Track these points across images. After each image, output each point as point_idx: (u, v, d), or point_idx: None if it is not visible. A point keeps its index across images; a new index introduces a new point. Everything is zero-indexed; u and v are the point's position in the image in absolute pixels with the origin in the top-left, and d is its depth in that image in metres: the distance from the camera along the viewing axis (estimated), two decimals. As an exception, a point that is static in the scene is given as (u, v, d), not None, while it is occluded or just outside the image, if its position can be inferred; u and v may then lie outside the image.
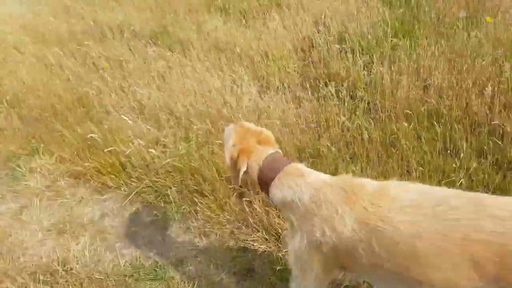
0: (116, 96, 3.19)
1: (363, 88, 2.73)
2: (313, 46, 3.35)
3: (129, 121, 2.80)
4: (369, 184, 1.28)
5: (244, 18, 4.12)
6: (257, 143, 1.49)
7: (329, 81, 2.91)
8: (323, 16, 3.57)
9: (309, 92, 2.81)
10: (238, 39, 3.67)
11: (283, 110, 2.71)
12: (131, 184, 2.52)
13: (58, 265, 2.12)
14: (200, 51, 3.65)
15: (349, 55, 2.96)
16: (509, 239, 1.01)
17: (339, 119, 2.47)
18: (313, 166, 1.79)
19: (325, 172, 1.45)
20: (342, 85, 2.73)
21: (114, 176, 2.57)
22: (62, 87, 3.39)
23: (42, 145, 2.90)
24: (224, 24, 4.05)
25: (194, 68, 3.36)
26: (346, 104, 2.62)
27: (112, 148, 2.53)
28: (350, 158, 2.28)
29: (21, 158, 2.92)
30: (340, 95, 2.66)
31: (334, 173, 1.97)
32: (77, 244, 2.27)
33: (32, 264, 2.18)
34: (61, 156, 2.81)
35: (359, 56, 2.99)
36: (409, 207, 1.16)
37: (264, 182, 1.43)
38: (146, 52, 3.79)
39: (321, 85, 2.89)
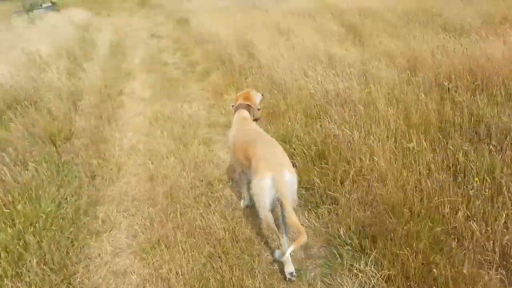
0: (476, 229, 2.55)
1: None
2: None
3: None
4: (249, 119, 3.32)
5: None
6: (243, 97, 3.49)
7: None
8: None
9: None
10: None
11: None
12: None
13: None
14: None
15: None
16: (246, 143, 2.90)
17: None
18: None
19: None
20: None
21: None
22: (412, 186, 3.09)
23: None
24: None
25: None
26: None
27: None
28: None
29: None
30: None
31: None
32: None
33: None
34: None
35: None
36: (247, 130, 3.15)
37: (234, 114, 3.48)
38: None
39: None
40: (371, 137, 3.80)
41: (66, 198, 3.54)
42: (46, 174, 3.73)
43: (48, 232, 2.96)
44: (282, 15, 10.01)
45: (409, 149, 3.62)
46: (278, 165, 2.56)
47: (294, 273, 2.59)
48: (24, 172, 3.64)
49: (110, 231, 3.18)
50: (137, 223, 3.23)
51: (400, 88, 4.75)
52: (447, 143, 3.58)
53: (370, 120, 4.09)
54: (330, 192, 3.24)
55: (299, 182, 3.62)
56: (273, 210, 2.64)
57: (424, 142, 3.54)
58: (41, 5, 19.31)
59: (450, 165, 3.32)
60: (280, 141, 4.21)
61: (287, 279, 2.60)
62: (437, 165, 3.31)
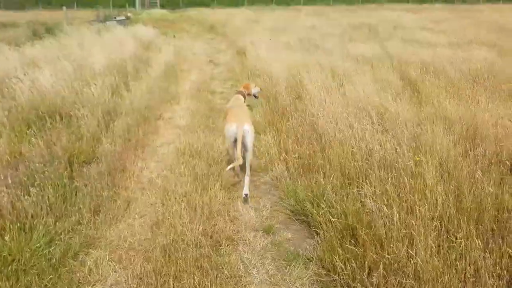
0: None
1: None
2: None
3: None
4: (241, 99, 4.76)
5: None
6: (243, 86, 5.10)
7: None
8: None
9: None
10: None
11: None
12: None
13: None
14: None
15: None
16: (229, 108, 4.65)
17: None
18: None
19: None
20: None
21: None
22: None
23: None
24: None
25: None
26: None
27: None
28: None
29: None
30: None
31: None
32: None
33: None
34: None
35: None
36: (234, 103, 4.70)
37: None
38: None
39: None
40: (414, 216, 3.19)
41: (61, 234, 3.19)
42: (49, 201, 3.43)
43: (26, 276, 2.62)
44: (342, 59, 9.57)
45: (456, 240, 2.97)
46: (241, 119, 4.08)
47: (248, 195, 4.03)
48: (25, 197, 3.36)
49: (93, 285, 2.77)
50: (124, 281, 2.80)
51: (454, 160, 4.08)
52: (502, 240, 2.90)
53: (414, 196, 3.47)
54: (354, 284, 2.65)
55: (320, 261, 3.13)
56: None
57: (474, 238, 2.87)
58: (114, 17, 20.45)
59: (504, 272, 2.63)
60: (308, 202, 3.73)
61: (243, 198, 4.02)
62: (488, 268, 2.64)
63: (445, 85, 7.16)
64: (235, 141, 3.93)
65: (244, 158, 4.01)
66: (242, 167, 4.17)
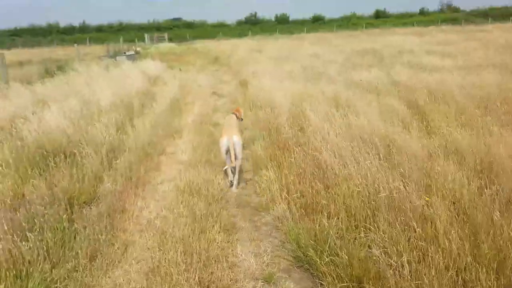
0: None
1: None
2: None
3: None
4: (234, 118, 6.06)
5: None
6: (235, 110, 6.56)
7: None
8: None
9: None
10: None
11: None
12: None
13: None
14: None
15: None
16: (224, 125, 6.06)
17: None
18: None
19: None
20: None
21: None
22: None
23: None
24: None
25: None
26: None
27: None
28: None
29: None
30: None
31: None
32: None
33: None
34: None
35: None
36: (227, 121, 5.90)
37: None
38: None
39: None
40: (426, 265, 2.94)
41: (57, 282, 3.06)
42: (47, 246, 3.31)
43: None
44: (346, 87, 9.43)
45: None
46: (231, 133, 5.17)
47: (233, 182, 5.11)
48: (22, 242, 3.24)
49: None
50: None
51: (469, 200, 3.81)
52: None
53: (426, 242, 3.21)
54: None
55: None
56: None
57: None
58: (124, 53, 20.91)
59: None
60: (311, 249, 3.50)
61: (230, 186, 5.11)
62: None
63: (455, 113, 6.93)
64: (228, 150, 5.01)
65: (235, 162, 5.11)
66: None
